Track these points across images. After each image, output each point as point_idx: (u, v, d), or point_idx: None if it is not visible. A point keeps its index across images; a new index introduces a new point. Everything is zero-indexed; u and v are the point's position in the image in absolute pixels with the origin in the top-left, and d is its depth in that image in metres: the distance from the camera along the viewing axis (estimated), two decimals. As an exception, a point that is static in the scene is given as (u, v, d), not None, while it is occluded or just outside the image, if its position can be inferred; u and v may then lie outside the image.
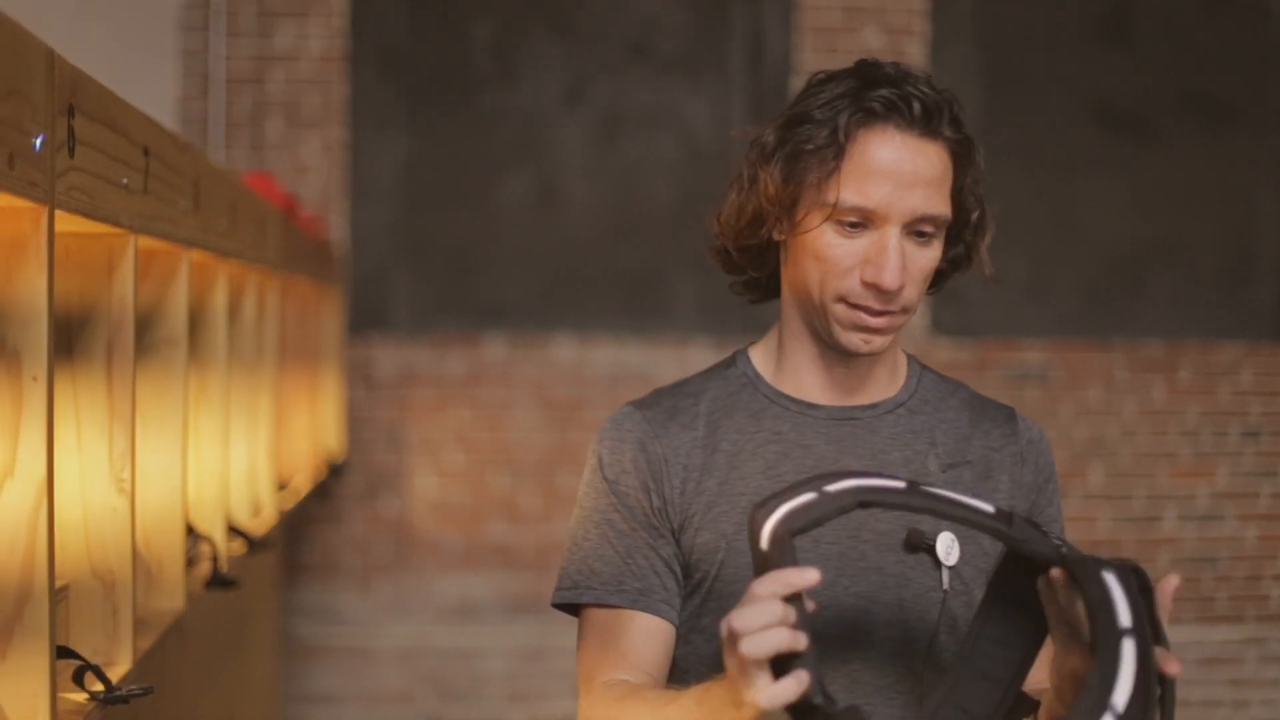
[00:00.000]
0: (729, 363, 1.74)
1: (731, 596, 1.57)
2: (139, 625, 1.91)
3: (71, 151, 1.53)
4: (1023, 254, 5.52)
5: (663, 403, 1.71)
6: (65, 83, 1.51)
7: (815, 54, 5.48)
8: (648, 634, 1.65)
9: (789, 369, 1.69)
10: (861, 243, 1.57)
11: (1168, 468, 5.72)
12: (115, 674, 1.77)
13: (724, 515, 1.63)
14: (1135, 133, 5.71)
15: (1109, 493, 5.67)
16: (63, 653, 1.62)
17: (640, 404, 1.71)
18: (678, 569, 1.66)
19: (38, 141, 1.41)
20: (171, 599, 2.20)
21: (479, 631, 5.43)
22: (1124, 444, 5.70)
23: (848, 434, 1.66)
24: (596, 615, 1.67)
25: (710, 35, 5.59)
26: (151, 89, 4.99)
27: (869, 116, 1.56)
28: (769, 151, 1.62)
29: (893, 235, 1.56)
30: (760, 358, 1.72)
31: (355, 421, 5.38)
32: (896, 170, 1.55)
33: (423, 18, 5.48)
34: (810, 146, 1.58)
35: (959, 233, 1.64)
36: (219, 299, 2.56)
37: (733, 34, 5.58)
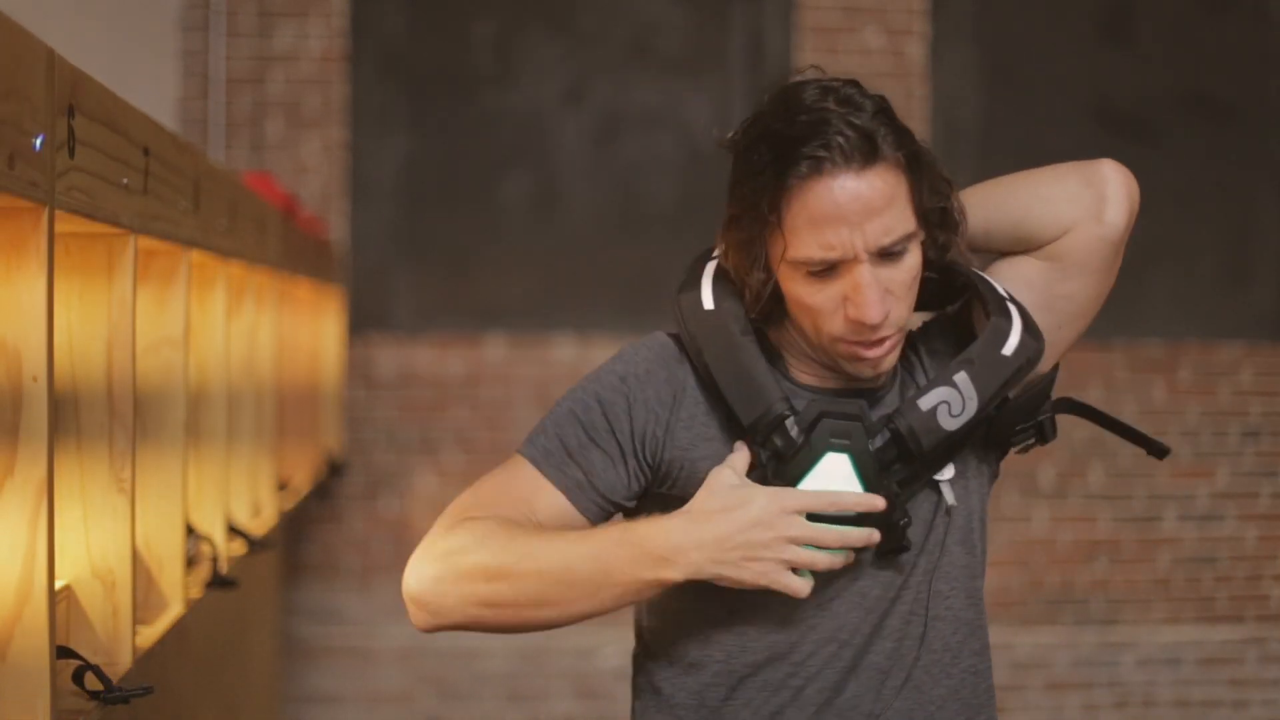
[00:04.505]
0: None
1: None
2: (139, 625, 1.91)
3: (71, 151, 1.53)
4: (1023, 254, 5.51)
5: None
6: (65, 83, 1.51)
7: (815, 54, 5.47)
8: (561, 515, 1.64)
9: (791, 357, 1.70)
10: (837, 285, 1.58)
11: (1168, 468, 5.71)
12: (115, 674, 1.77)
13: (706, 459, 1.65)
14: (1135, 133, 5.71)
15: (1109, 493, 5.67)
16: (63, 653, 1.62)
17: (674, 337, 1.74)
18: (620, 496, 1.66)
19: (38, 141, 1.41)
20: (171, 599, 2.20)
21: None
22: (1124, 444, 5.66)
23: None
24: (526, 468, 1.66)
25: (710, 35, 5.58)
26: (151, 89, 4.98)
27: (801, 181, 1.55)
28: (726, 228, 1.64)
29: (864, 272, 1.56)
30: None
31: (355, 421, 5.38)
32: (846, 212, 1.54)
33: (423, 18, 5.48)
34: (751, 235, 1.59)
35: (931, 232, 1.63)
36: (219, 299, 2.56)
37: (733, 34, 5.58)
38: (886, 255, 1.57)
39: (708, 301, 1.67)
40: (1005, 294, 1.68)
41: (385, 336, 5.45)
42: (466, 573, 1.57)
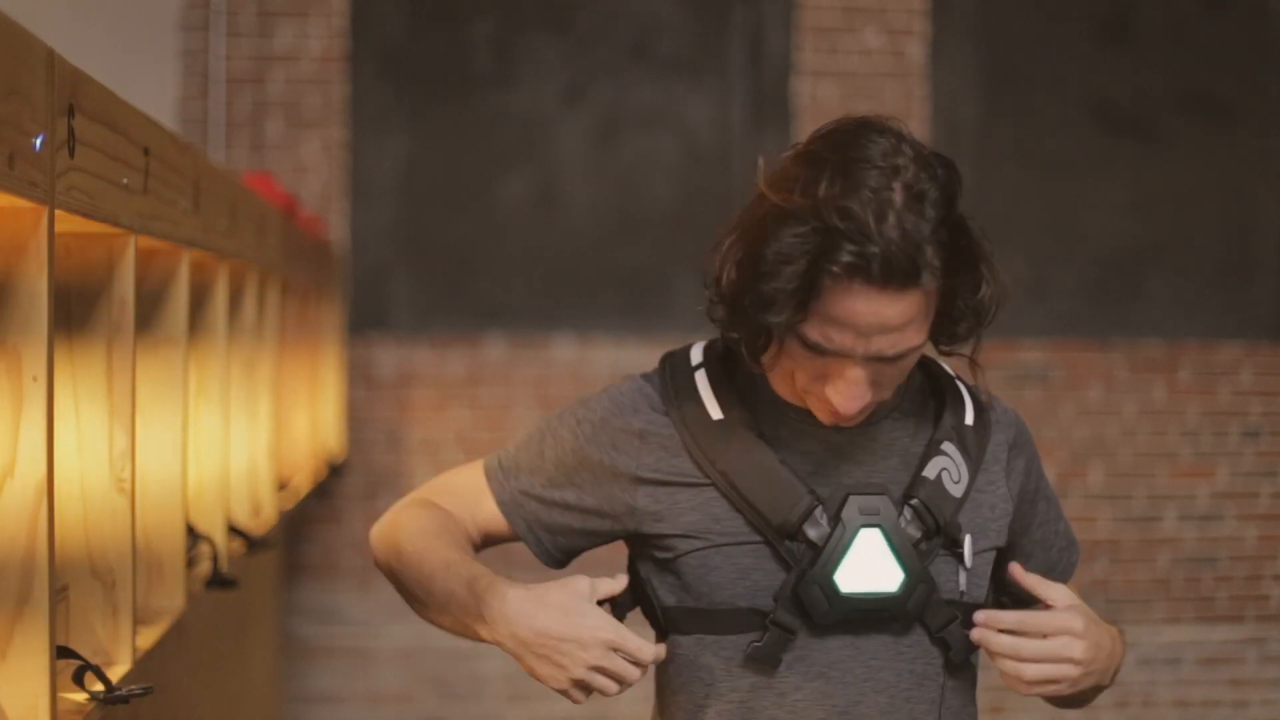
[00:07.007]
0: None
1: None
2: (139, 625, 1.92)
3: (71, 151, 1.53)
4: (1023, 254, 5.51)
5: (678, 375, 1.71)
6: (65, 83, 1.51)
7: (815, 54, 5.48)
8: (497, 524, 1.78)
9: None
10: (824, 364, 1.54)
11: (1168, 468, 5.71)
12: (115, 674, 1.77)
13: (713, 499, 1.65)
14: (1135, 133, 5.71)
15: (1109, 493, 5.67)
16: (63, 653, 1.62)
17: (649, 377, 1.73)
18: (558, 524, 1.74)
19: (38, 141, 1.41)
20: (171, 599, 2.20)
21: (479, 631, 5.43)
22: (1124, 444, 5.70)
23: (845, 442, 1.66)
24: (480, 474, 1.78)
25: (710, 35, 5.58)
26: (151, 89, 4.98)
27: (834, 280, 1.47)
28: (731, 292, 1.54)
29: (852, 369, 1.52)
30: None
31: (355, 421, 5.38)
32: (860, 325, 1.49)
33: (423, 18, 5.48)
34: (774, 299, 1.49)
35: (952, 327, 1.59)
36: (219, 299, 2.56)
37: (733, 34, 5.58)
38: (884, 359, 1.53)
39: (715, 412, 1.66)
40: (954, 374, 1.76)
41: (385, 336, 5.45)
42: (393, 546, 1.76)
